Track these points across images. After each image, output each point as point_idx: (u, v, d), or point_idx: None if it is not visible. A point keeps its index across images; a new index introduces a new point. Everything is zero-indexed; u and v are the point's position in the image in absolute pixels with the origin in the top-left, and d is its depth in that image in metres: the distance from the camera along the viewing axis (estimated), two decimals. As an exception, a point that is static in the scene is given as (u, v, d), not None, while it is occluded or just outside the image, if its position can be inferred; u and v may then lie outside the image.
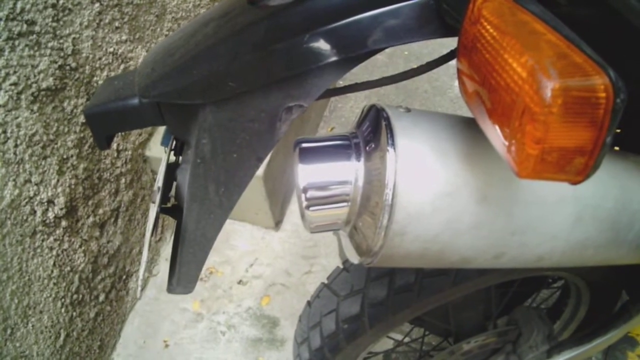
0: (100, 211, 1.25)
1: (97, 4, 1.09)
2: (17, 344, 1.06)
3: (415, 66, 0.46)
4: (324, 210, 0.43)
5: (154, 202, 0.49)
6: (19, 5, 0.90)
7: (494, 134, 0.31)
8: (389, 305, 0.69)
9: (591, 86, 0.25)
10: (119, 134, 1.28)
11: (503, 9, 0.30)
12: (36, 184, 1.03)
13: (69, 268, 1.17)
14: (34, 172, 1.02)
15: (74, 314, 1.22)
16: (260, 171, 1.33)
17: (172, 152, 0.53)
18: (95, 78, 1.14)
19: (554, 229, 0.42)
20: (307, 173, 0.42)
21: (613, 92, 0.25)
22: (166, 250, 1.58)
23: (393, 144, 0.39)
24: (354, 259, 0.47)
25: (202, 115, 0.43)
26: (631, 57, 0.36)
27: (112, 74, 1.20)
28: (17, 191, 0.98)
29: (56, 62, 1.02)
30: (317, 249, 1.52)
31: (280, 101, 0.41)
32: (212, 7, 0.50)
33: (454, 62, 0.39)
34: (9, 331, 1.02)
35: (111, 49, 1.18)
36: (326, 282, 0.80)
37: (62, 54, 1.03)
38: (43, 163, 1.04)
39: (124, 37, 1.21)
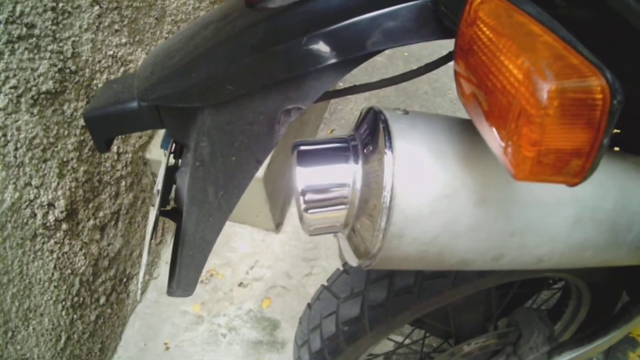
0: (101, 214, 1.25)
1: (96, 7, 1.09)
2: (18, 347, 1.06)
3: (415, 67, 0.46)
4: (322, 212, 0.43)
5: (153, 205, 0.49)
6: (18, 8, 0.90)
7: (491, 136, 0.31)
8: (389, 307, 0.69)
9: (587, 88, 0.25)
10: (119, 136, 1.28)
11: (499, 11, 0.30)
12: (36, 187, 1.03)
13: (69, 271, 1.17)
14: (34, 175, 1.02)
15: (75, 316, 1.22)
16: (260, 173, 1.33)
17: (172, 155, 0.53)
18: (94, 81, 1.14)
19: (553, 230, 0.42)
20: (305, 176, 0.42)
21: (610, 93, 0.25)
22: (167, 252, 1.58)
23: (391, 147, 0.39)
24: (353, 261, 0.47)
25: (200, 119, 0.43)
26: (630, 58, 0.36)
27: (112, 76, 1.20)
28: (17, 194, 0.98)
29: (56, 65, 1.02)
30: (317, 251, 1.52)
31: (278, 104, 0.41)
32: (211, 10, 0.50)
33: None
34: (9, 334, 1.02)
35: (111, 52, 1.18)
36: (326, 284, 0.80)
37: (61, 57, 1.03)
38: (43, 166, 1.04)
39: (123, 40, 1.21)
